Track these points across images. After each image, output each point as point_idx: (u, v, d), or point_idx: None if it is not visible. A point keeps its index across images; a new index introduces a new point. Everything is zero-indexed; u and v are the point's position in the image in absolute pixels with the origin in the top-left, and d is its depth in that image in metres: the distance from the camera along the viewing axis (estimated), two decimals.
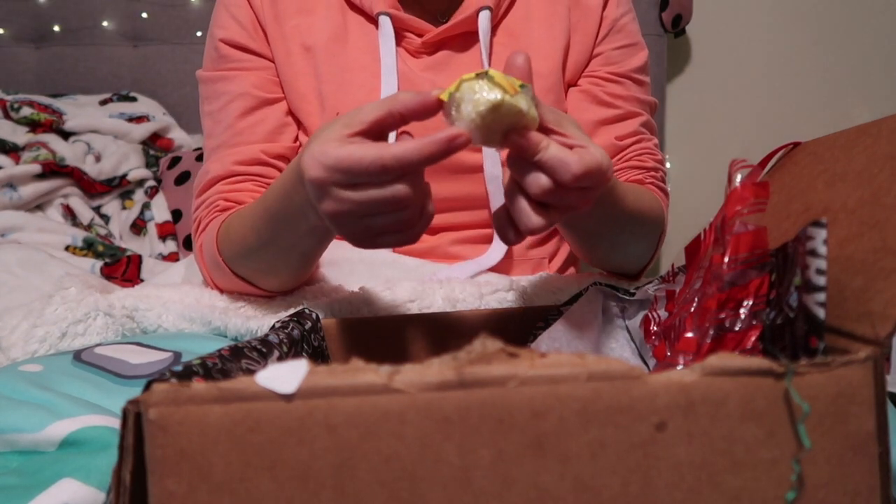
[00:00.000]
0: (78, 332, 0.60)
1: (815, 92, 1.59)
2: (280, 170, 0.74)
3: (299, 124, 0.77)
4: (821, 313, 0.30)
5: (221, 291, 0.70)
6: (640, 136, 0.79)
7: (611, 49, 0.79)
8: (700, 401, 0.27)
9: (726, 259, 0.36)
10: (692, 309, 0.41)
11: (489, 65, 0.75)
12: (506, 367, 0.27)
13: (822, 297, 0.30)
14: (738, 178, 0.40)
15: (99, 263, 1.07)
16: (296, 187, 0.51)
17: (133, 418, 0.27)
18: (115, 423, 0.43)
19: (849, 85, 1.59)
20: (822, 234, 0.31)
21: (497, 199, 0.74)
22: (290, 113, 0.76)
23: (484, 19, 0.74)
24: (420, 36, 0.76)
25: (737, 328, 0.36)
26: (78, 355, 0.53)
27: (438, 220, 0.77)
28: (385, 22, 0.74)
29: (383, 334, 0.56)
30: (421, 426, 0.26)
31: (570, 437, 0.27)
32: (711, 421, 0.27)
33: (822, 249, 0.31)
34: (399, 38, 0.75)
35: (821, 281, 0.31)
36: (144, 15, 1.46)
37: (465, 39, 0.76)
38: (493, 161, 0.74)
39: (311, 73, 0.75)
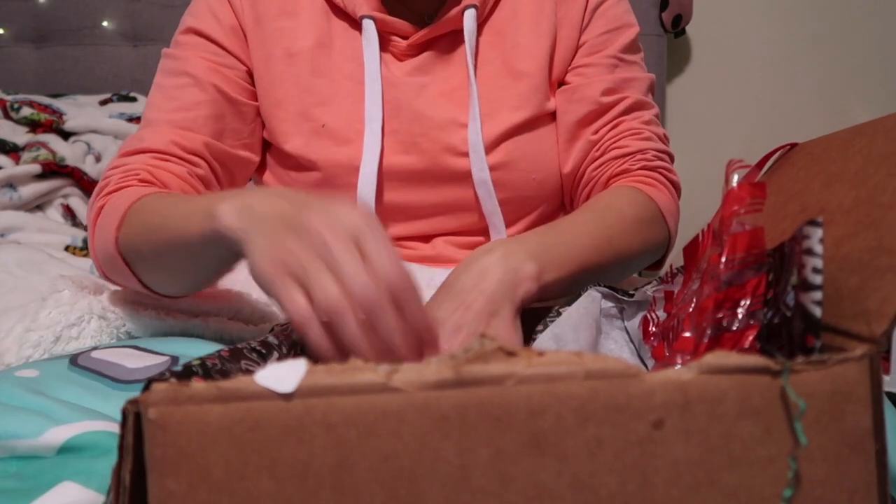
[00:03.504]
0: (72, 336, 0.60)
1: (815, 92, 1.59)
2: (214, 170, 0.72)
3: (263, 128, 0.76)
4: (817, 312, 0.30)
5: (109, 279, 0.66)
6: (617, 121, 0.76)
7: (594, 36, 0.77)
8: (697, 399, 0.27)
9: (724, 259, 0.36)
10: (690, 309, 0.41)
11: (474, 65, 0.74)
12: (503, 365, 0.27)
13: (818, 295, 0.31)
14: (736, 178, 0.40)
15: None
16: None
17: (133, 418, 0.27)
18: (115, 428, 0.43)
19: (848, 85, 1.59)
20: (818, 233, 0.32)
21: (487, 202, 0.74)
22: (258, 117, 0.75)
23: (469, 18, 0.73)
24: (405, 38, 0.75)
25: (734, 328, 0.36)
26: (74, 360, 0.53)
27: (430, 225, 0.76)
28: (369, 26, 0.72)
29: None
30: (419, 425, 0.26)
31: (567, 435, 0.27)
32: (708, 419, 0.27)
33: (819, 248, 0.31)
34: (384, 42, 0.74)
35: (817, 280, 0.31)
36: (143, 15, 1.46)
37: (451, 39, 0.75)
38: (479, 166, 0.73)
39: (291, 80, 0.73)
